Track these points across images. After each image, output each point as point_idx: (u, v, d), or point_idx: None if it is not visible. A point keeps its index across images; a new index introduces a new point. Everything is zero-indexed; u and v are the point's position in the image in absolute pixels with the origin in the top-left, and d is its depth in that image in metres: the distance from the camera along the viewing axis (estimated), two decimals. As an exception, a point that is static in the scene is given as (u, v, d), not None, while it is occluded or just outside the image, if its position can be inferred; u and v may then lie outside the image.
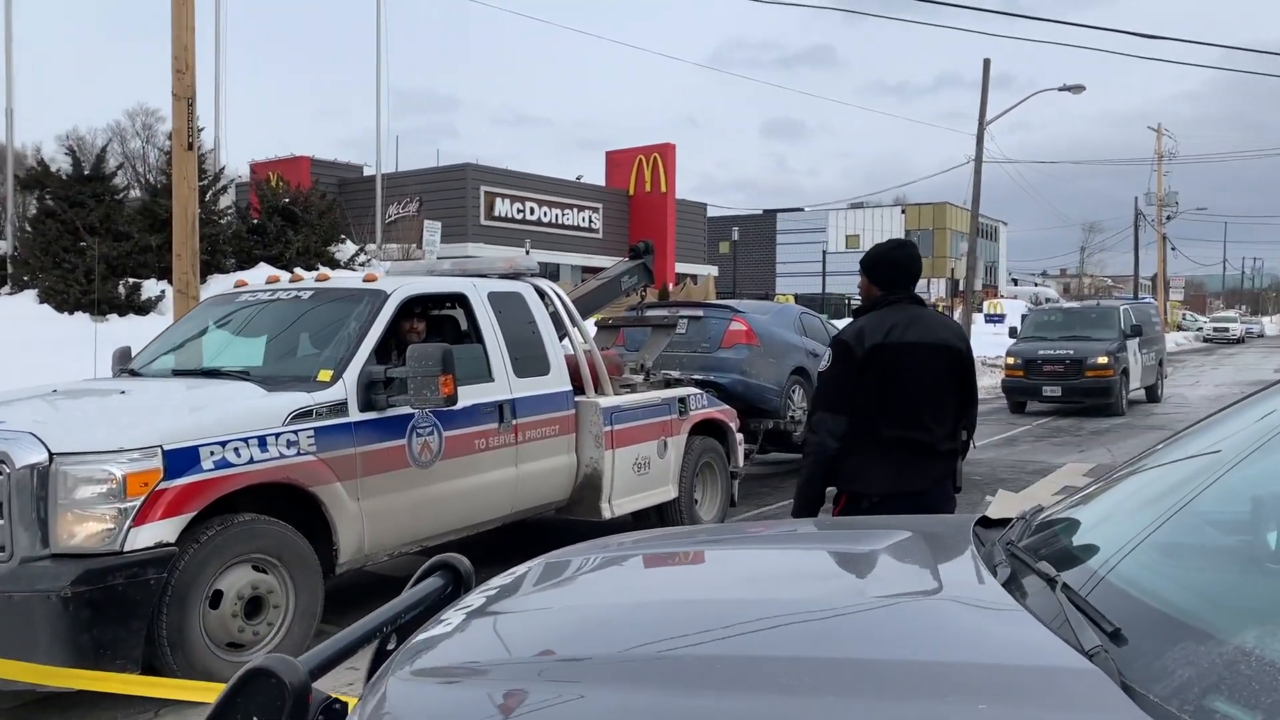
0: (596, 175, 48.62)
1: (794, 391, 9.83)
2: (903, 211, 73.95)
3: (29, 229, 18.01)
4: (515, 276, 7.34)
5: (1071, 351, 17.63)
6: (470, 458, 6.18)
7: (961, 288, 37.99)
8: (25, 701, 4.64)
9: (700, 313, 9.92)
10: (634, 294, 10.00)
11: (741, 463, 8.50)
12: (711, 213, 54.00)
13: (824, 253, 55.99)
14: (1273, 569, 1.79)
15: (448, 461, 5.98)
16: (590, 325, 8.41)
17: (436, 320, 7.08)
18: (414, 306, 6.47)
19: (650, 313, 9.99)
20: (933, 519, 2.87)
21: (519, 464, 6.55)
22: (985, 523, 2.38)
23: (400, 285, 6.22)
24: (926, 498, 3.97)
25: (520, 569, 2.27)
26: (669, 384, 8.18)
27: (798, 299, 39.85)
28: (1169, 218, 58.34)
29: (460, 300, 6.76)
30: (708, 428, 8.17)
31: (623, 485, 7.18)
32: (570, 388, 6.99)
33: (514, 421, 6.48)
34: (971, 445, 4.30)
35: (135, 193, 20.16)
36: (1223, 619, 1.44)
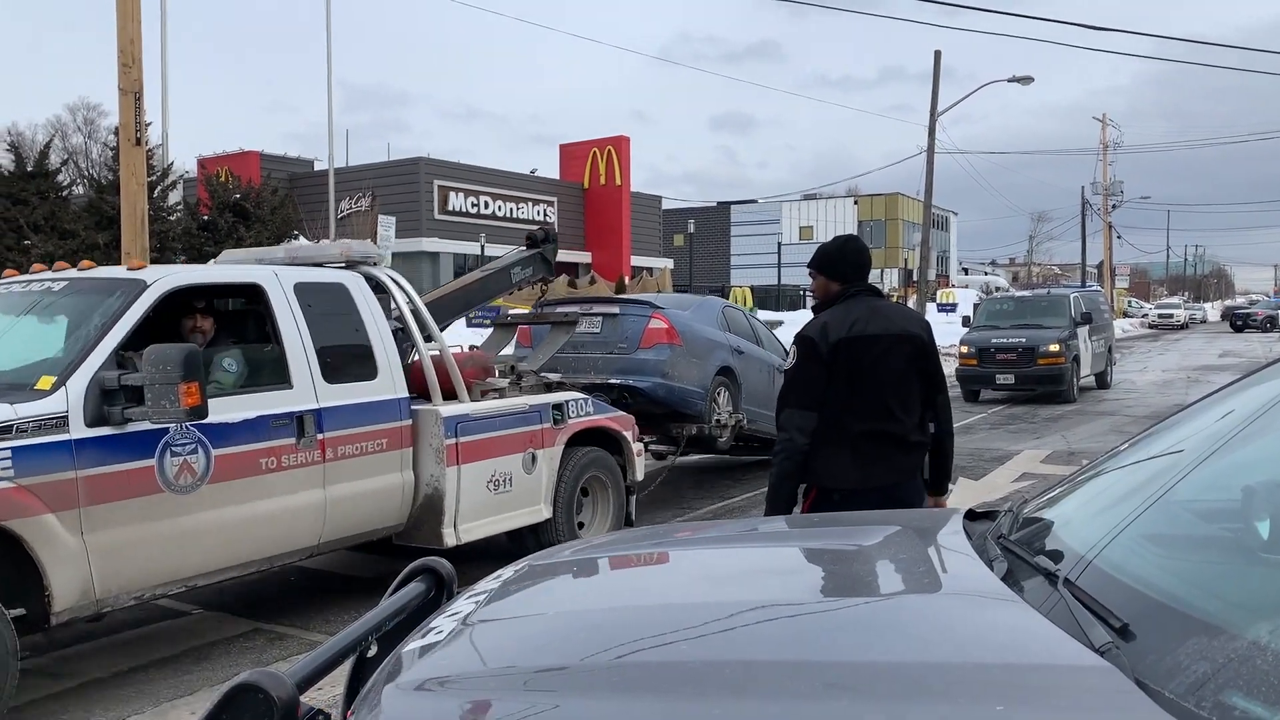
0: (551, 169, 48.44)
1: (720, 394, 9.01)
2: (855, 203, 74.50)
3: (-31, 227, 17.54)
4: (351, 265, 6.33)
5: (1024, 340, 17.84)
6: (252, 480, 5.14)
7: (915, 278, 38.36)
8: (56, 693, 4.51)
9: (616, 309, 8.95)
10: (529, 286, 9.51)
11: (641, 474, 7.62)
12: (666, 205, 54.04)
13: (779, 244, 56.22)
14: (1269, 559, 1.79)
15: (219, 485, 4.98)
16: (447, 325, 7.49)
17: (235, 317, 6.13)
18: (194, 300, 5.57)
19: (563, 309, 9.09)
20: (918, 513, 2.86)
21: (328, 486, 5.51)
22: (970, 515, 2.37)
23: (164, 275, 5.23)
24: (897, 491, 3.97)
25: (506, 572, 2.22)
26: (549, 388, 7.32)
27: (754, 290, 39.98)
28: (1114, 206, 59.39)
29: (254, 293, 5.69)
30: (595, 437, 7.24)
31: (473, 506, 6.20)
32: (406, 395, 6.01)
33: (319, 436, 5.46)
34: (950, 438, 4.28)
35: (79, 190, 19.66)
36: (1230, 612, 1.44)
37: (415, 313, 6.49)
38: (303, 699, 1.69)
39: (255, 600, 6.41)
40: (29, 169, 17.07)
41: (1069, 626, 1.48)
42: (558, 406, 6.92)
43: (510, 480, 6.45)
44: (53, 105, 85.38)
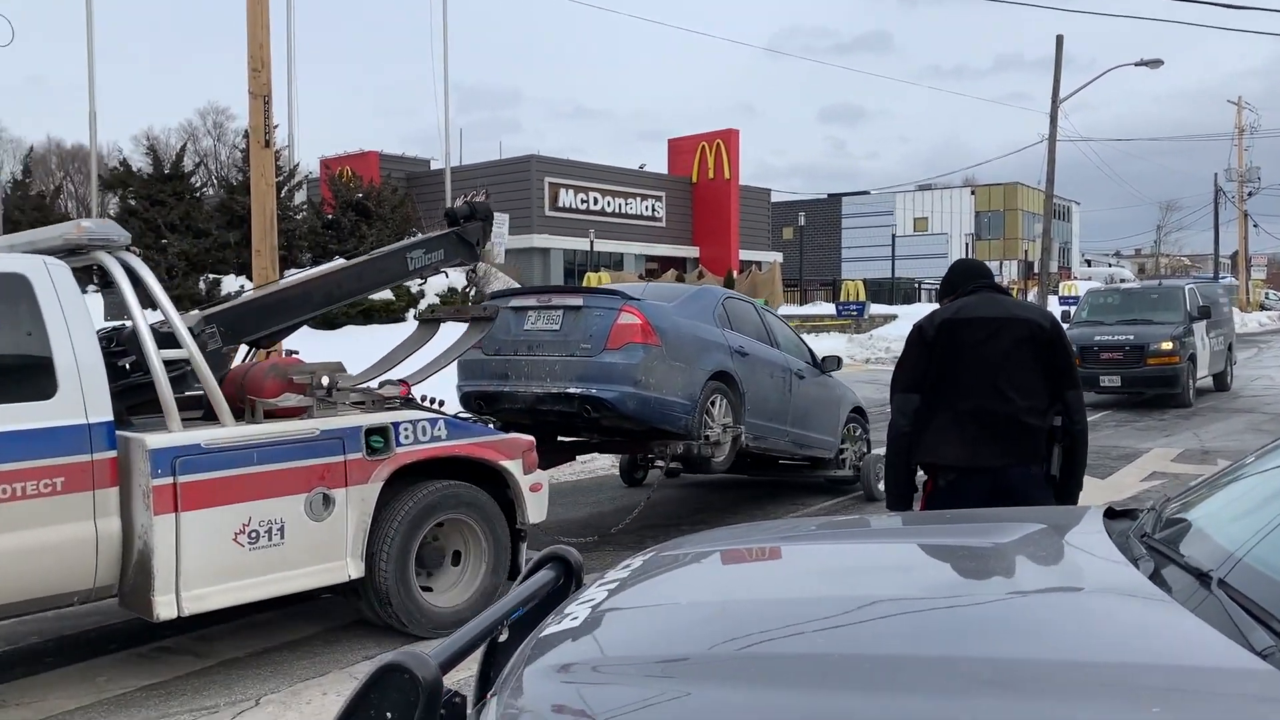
0: (659, 164, 48.53)
1: (714, 404, 7.37)
2: (972, 193, 72.56)
3: (113, 228, 18.58)
4: (79, 251, 5.06)
5: (1131, 337, 15.95)
6: None
7: (1036, 270, 37.13)
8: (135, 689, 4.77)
9: (579, 301, 7.29)
10: (432, 273, 7.02)
11: (533, 518, 5.94)
12: (774, 198, 53.58)
13: (893, 236, 55.21)
14: None
15: None
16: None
17: None
18: None
19: (509, 301, 7.64)
20: (1053, 510, 2.78)
21: None
22: (1109, 514, 2.30)
23: None
24: (1008, 476, 3.90)
25: (635, 561, 2.24)
26: (380, 404, 5.68)
27: (866, 284, 39.31)
28: (1250, 194, 56.42)
29: None
30: (457, 469, 5.69)
31: (209, 567, 4.74)
32: (108, 419, 4.58)
33: None
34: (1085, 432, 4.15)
35: (210, 190, 20.59)
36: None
37: (156, 305, 5.03)
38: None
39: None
40: (165, 171, 17.94)
41: (1226, 628, 1.42)
42: (376, 431, 5.29)
43: (281, 531, 4.95)
44: (184, 110, 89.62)
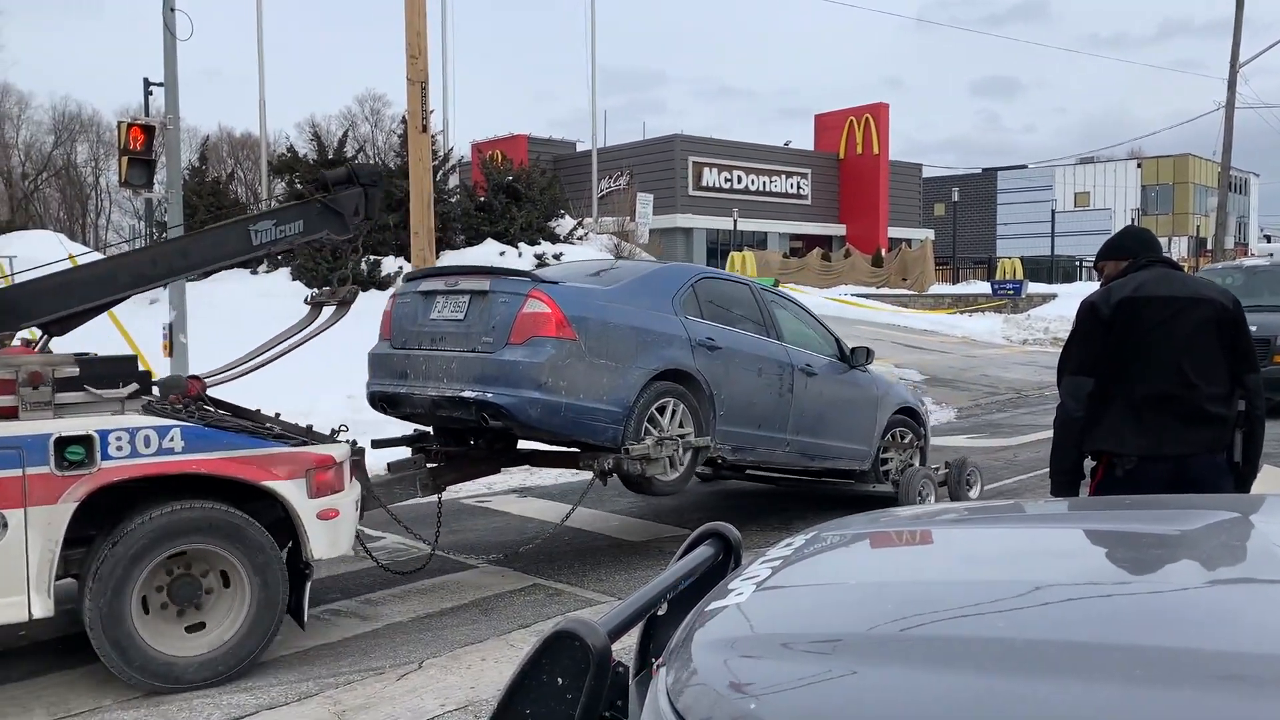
0: (804, 141, 47.83)
1: (662, 410, 6.08)
2: (1138, 165, 68.76)
3: (281, 212, 19.62)
4: None
5: (1254, 328, 13.51)
6: None
7: (1209, 246, 34.93)
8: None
9: (485, 285, 5.98)
10: (286, 249, 5.98)
11: (321, 552, 4.78)
12: (925, 174, 52.06)
13: (1052, 212, 52.90)
14: None
15: None
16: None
17: None
18: None
19: (419, 283, 6.49)
20: (1241, 498, 2.61)
21: None
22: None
23: None
24: (1190, 466, 3.70)
25: (798, 540, 2.22)
26: (149, 408, 4.71)
27: (1024, 261, 37.81)
28: None
29: None
30: (210, 488, 4.59)
31: None
32: None
33: None
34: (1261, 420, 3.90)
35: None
36: None
37: None
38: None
39: (532, 557, 6.78)
40: (329, 157, 18.78)
41: None
42: (75, 441, 4.30)
43: None
44: (344, 98, 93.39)
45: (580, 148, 44.60)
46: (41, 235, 26.89)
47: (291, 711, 4.23)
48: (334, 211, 5.92)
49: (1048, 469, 4.04)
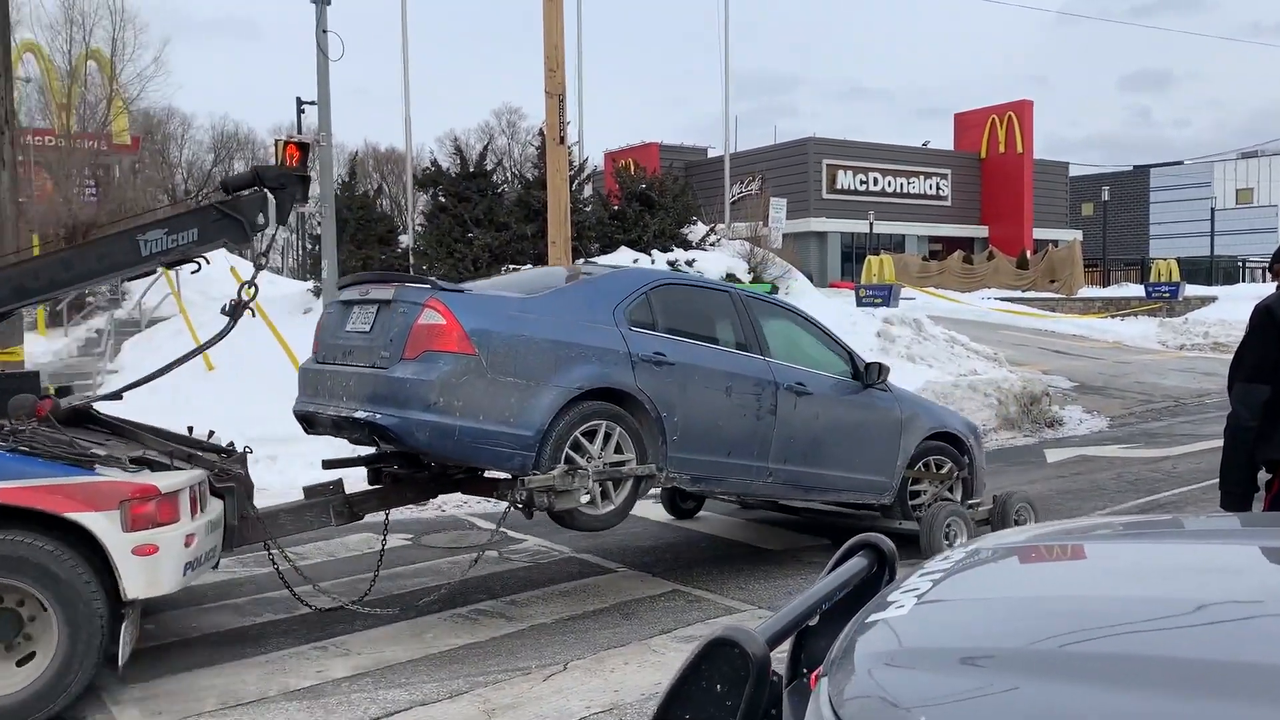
0: (943, 141, 46.65)
1: (593, 435, 5.42)
2: (1308, 158, 64.45)
3: (425, 223, 20.23)
4: None
5: None
6: None
7: (1390, 242, 32.54)
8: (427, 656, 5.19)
9: (389, 294, 5.48)
10: (179, 259, 5.57)
11: (137, 590, 4.34)
12: (1072, 172, 50.05)
13: (1211, 210, 50.08)
14: None
15: None
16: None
17: None
18: None
19: (347, 290, 6.00)
20: None
21: None
22: None
23: None
24: None
25: (957, 554, 2.18)
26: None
27: (1180, 263, 35.92)
28: None
29: None
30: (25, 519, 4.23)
31: None
32: None
33: None
34: None
35: (508, 186, 21.96)
36: None
37: None
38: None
39: (673, 563, 6.83)
40: (470, 170, 19.32)
41: None
42: None
43: None
44: (481, 112, 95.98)
45: (712, 154, 44.63)
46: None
47: (443, 708, 4.37)
48: (231, 218, 5.55)
49: (1211, 481, 3.87)
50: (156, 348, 14.66)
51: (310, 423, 5.76)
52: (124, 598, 4.31)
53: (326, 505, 5.59)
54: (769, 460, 6.18)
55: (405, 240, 21.75)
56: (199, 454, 5.34)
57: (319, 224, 19.30)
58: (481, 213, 18.64)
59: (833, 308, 18.38)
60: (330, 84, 14.40)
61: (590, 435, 5.40)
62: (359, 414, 5.23)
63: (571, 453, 5.32)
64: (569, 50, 13.85)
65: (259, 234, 5.65)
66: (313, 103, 17.50)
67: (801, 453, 6.33)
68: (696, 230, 20.27)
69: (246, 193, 5.59)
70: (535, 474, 5.18)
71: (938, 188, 43.43)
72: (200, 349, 6.13)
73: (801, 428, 6.31)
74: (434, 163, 20.51)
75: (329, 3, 14.41)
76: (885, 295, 23.32)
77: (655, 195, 19.56)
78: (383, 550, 6.16)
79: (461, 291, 5.51)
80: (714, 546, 7.35)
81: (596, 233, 19.12)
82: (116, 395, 5.85)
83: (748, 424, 6.03)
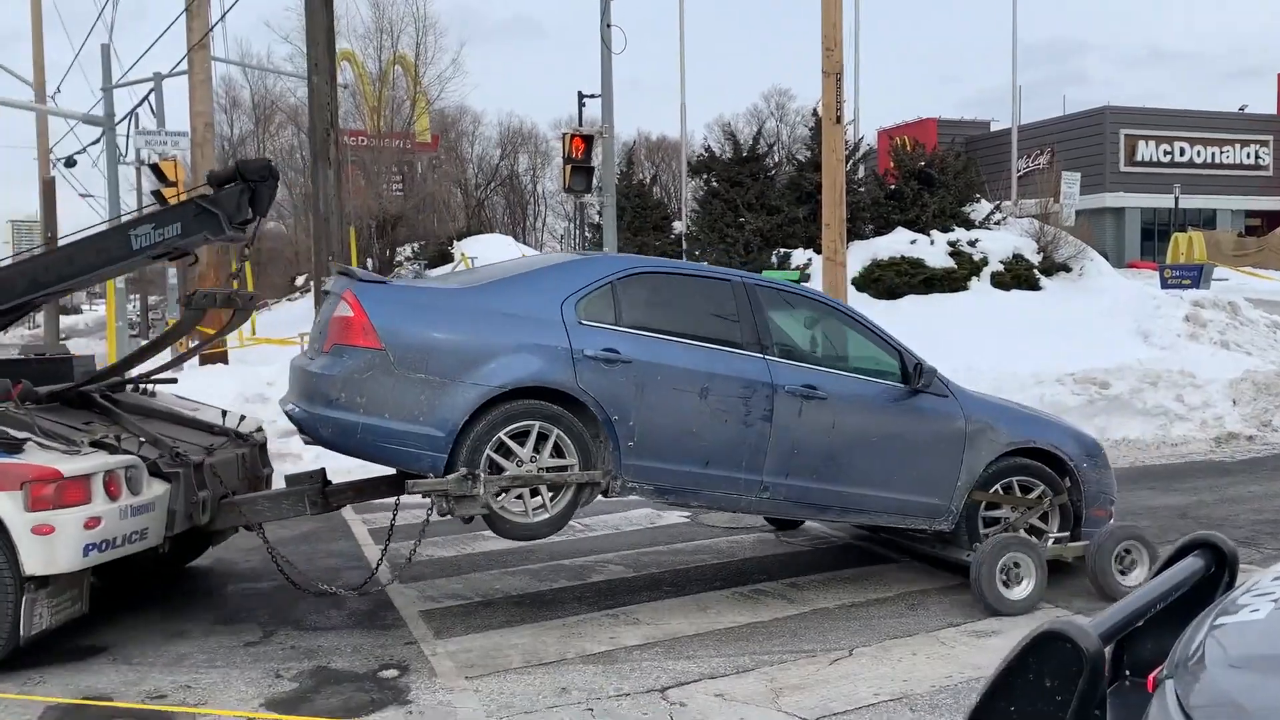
0: (1262, 105, 41.85)
1: (524, 437, 5.07)
2: None
3: (698, 209, 20.59)
4: None
5: None
6: None
7: None
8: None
9: (329, 285, 5.68)
10: (165, 252, 5.89)
11: (35, 566, 4.56)
12: None
13: None
14: None
15: None
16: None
17: None
18: None
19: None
20: None
21: None
22: None
23: None
24: None
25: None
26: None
27: None
28: None
29: None
30: None
31: None
32: None
33: None
34: None
35: (780, 169, 21.91)
36: None
37: None
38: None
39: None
40: (743, 155, 19.44)
41: None
42: None
43: None
44: (749, 96, 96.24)
45: (995, 126, 42.43)
46: (496, 238, 30.52)
47: (731, 682, 4.47)
48: (209, 212, 5.73)
49: None
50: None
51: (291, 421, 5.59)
52: (22, 573, 4.56)
53: (302, 495, 5.63)
54: (763, 474, 5.45)
55: (678, 227, 22.24)
56: (214, 438, 5.83)
57: (597, 213, 20.10)
58: (754, 197, 18.71)
59: (1132, 290, 17.03)
60: (612, 77, 14.89)
61: (520, 438, 5.07)
62: (286, 407, 5.35)
63: (494, 455, 5.01)
64: (845, 29, 13.60)
65: (237, 226, 5.80)
66: (594, 96, 18.25)
67: (810, 467, 5.53)
68: (980, 208, 19.37)
69: (228, 187, 5.78)
70: (428, 478, 4.97)
71: (1256, 156, 39.14)
72: (212, 339, 6.88)
73: (810, 437, 5.52)
74: (707, 149, 20.82)
75: (612, -2, 14.90)
76: (1194, 276, 21.27)
77: (935, 173, 18.85)
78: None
79: (380, 283, 5.35)
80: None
81: (871, 214, 18.70)
82: (114, 374, 6.27)
83: (732, 431, 5.37)
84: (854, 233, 17.01)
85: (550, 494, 5.11)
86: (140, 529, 5.00)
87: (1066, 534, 5.98)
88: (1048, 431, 6.09)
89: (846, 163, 16.33)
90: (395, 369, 4.94)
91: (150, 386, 6.48)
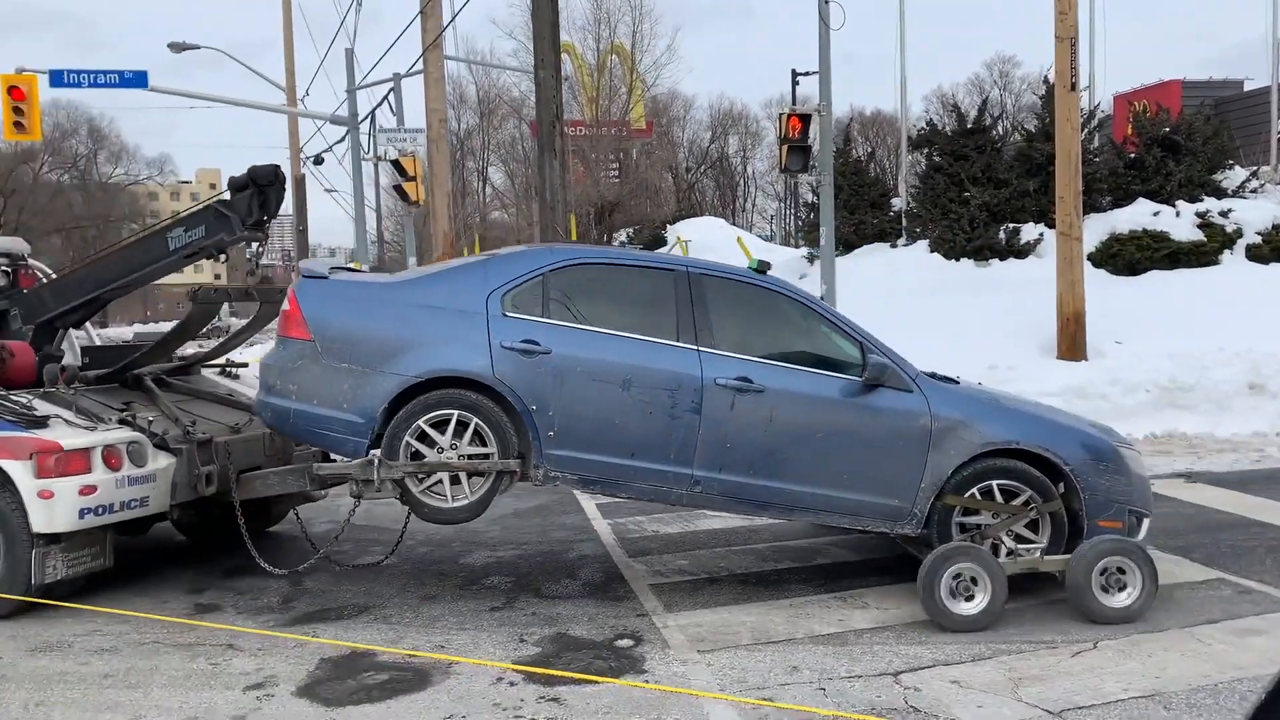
0: None
1: (443, 425, 5.19)
2: None
3: (919, 185, 19.92)
4: None
5: None
6: None
7: None
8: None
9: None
10: (195, 253, 6.43)
11: (40, 525, 5.32)
12: None
13: None
14: None
15: None
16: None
17: None
18: None
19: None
20: None
21: None
22: None
23: None
24: None
25: None
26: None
27: None
28: None
29: None
30: None
31: None
32: None
33: None
34: None
35: (1007, 140, 20.89)
36: None
37: None
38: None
39: (1214, 549, 6.19)
40: (968, 127, 18.65)
41: None
42: None
43: None
44: (970, 64, 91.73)
45: (1249, 85, 38.68)
46: (709, 221, 30.72)
47: (967, 670, 4.37)
48: (220, 215, 6.28)
49: None
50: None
51: None
52: (31, 530, 5.36)
53: (303, 472, 5.87)
54: (693, 467, 5.29)
55: (897, 203, 21.63)
56: (245, 416, 6.39)
57: (814, 192, 19.81)
58: (979, 170, 17.94)
59: None
60: (830, 53, 14.62)
61: (440, 426, 5.21)
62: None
63: (414, 442, 5.20)
64: (1082, -11, 12.80)
65: (250, 227, 6.31)
66: (808, 73, 17.99)
67: (746, 461, 5.29)
68: (1233, 176, 17.80)
69: (244, 193, 6.29)
70: (331, 462, 5.43)
71: None
72: (243, 331, 7.35)
73: (745, 432, 5.27)
74: (929, 122, 20.13)
75: (831, -28, 14.61)
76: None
77: (1181, 139, 17.46)
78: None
79: (322, 278, 5.55)
80: (1267, 533, 6.50)
81: (1109, 184, 17.56)
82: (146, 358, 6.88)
83: (658, 424, 5.25)
84: (1089, 205, 16.05)
85: (470, 481, 5.27)
86: (140, 497, 5.69)
87: (1044, 544, 5.36)
88: (1041, 432, 5.46)
89: (1081, 131, 15.38)
90: (323, 358, 5.32)
91: (208, 369, 7.34)
